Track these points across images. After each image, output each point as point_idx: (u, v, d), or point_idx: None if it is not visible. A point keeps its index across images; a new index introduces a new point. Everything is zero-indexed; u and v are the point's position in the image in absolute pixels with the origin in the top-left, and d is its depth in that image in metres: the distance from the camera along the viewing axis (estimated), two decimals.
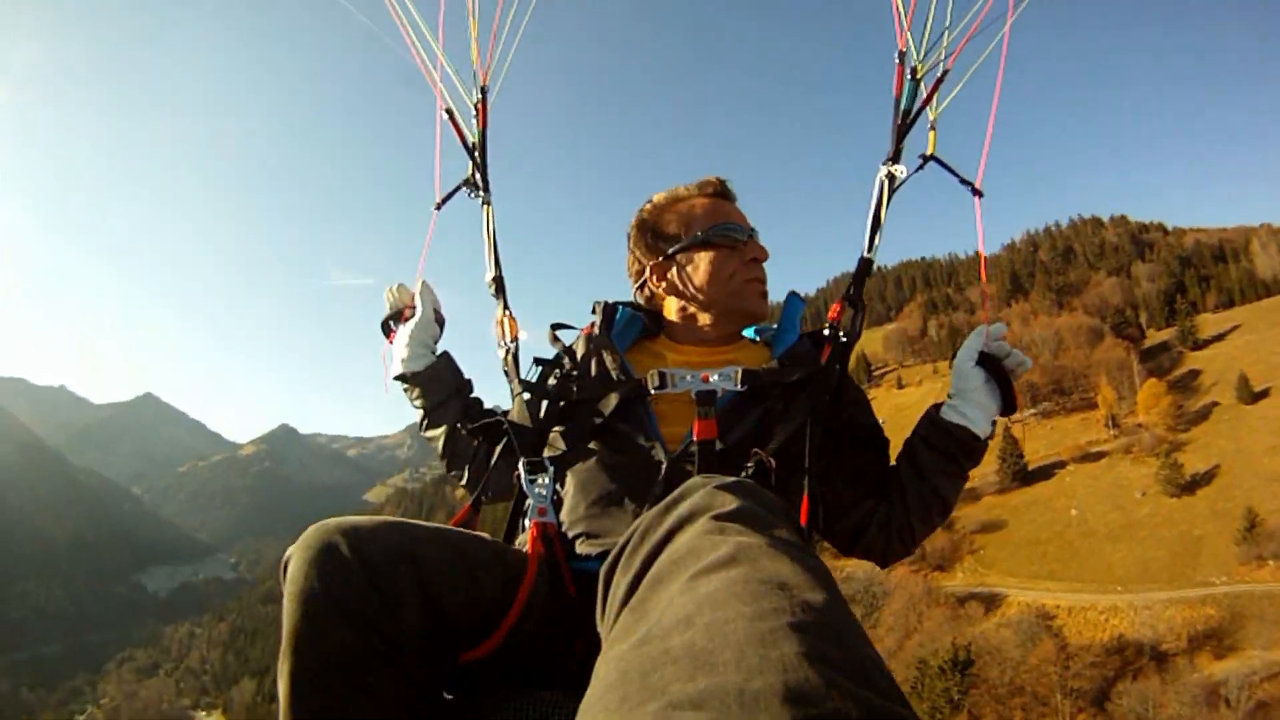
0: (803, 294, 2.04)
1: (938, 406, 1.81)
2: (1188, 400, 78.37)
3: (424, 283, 2.10)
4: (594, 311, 1.98)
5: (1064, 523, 66.81)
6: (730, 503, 1.02)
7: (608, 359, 1.84)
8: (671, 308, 1.94)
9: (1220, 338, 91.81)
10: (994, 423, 1.78)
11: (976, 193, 1.86)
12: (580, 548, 1.60)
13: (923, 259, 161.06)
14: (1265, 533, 53.60)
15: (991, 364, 1.75)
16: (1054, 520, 67.56)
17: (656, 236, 1.95)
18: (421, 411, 2.02)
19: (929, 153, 1.87)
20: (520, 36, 2.21)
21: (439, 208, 2.17)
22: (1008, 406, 1.77)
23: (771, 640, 0.71)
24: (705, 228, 1.87)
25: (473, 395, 2.08)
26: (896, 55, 1.90)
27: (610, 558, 1.10)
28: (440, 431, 1.99)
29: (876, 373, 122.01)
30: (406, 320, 2.06)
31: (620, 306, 1.99)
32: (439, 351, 2.09)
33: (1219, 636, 47.93)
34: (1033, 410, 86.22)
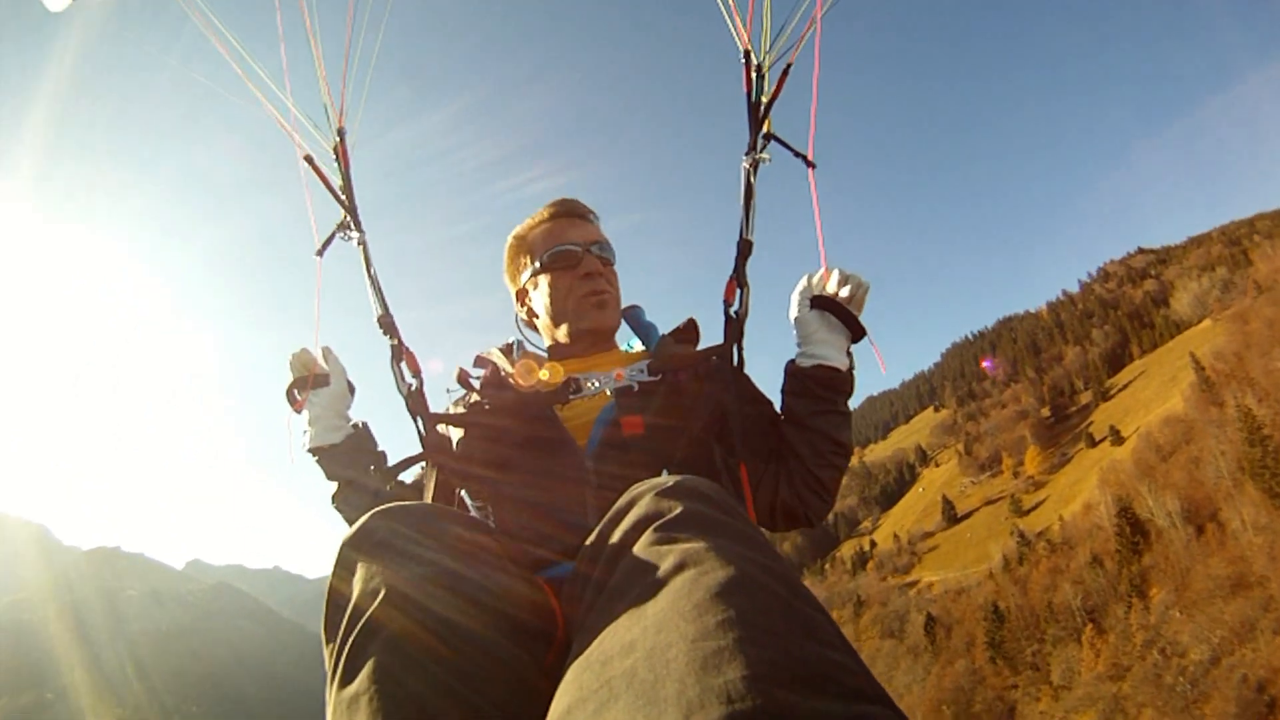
0: None
1: (791, 360, 1.91)
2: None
3: (328, 349, 2.07)
4: (476, 364, 2.01)
5: None
6: (675, 507, 1.00)
7: (527, 366, 1.84)
8: (541, 329, 2.06)
9: (1126, 387, 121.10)
10: (849, 352, 1.88)
11: (810, 164, 1.97)
12: (534, 557, 1.53)
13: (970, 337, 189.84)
14: None
15: (826, 303, 1.85)
16: None
17: (514, 269, 2.09)
18: (336, 485, 1.95)
19: (767, 131, 1.96)
20: (370, 78, 2.21)
21: (320, 254, 2.15)
22: (856, 333, 1.86)
23: (714, 665, 0.68)
24: (541, 254, 1.98)
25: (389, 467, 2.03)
26: (742, 55, 1.98)
27: (567, 583, 1.12)
28: (357, 506, 1.90)
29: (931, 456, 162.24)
30: (314, 387, 2.01)
31: (515, 342, 2.06)
32: (354, 421, 2.05)
33: None
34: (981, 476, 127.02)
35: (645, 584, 0.87)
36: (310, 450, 1.99)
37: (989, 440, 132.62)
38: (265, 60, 2.13)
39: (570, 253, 1.96)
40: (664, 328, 2.10)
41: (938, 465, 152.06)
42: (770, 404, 1.98)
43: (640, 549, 0.96)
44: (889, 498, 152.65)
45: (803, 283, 1.91)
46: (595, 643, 0.85)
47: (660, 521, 0.98)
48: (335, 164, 2.20)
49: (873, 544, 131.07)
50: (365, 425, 2.06)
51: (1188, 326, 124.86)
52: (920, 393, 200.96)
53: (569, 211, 2.06)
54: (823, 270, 1.91)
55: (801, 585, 0.88)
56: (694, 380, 1.83)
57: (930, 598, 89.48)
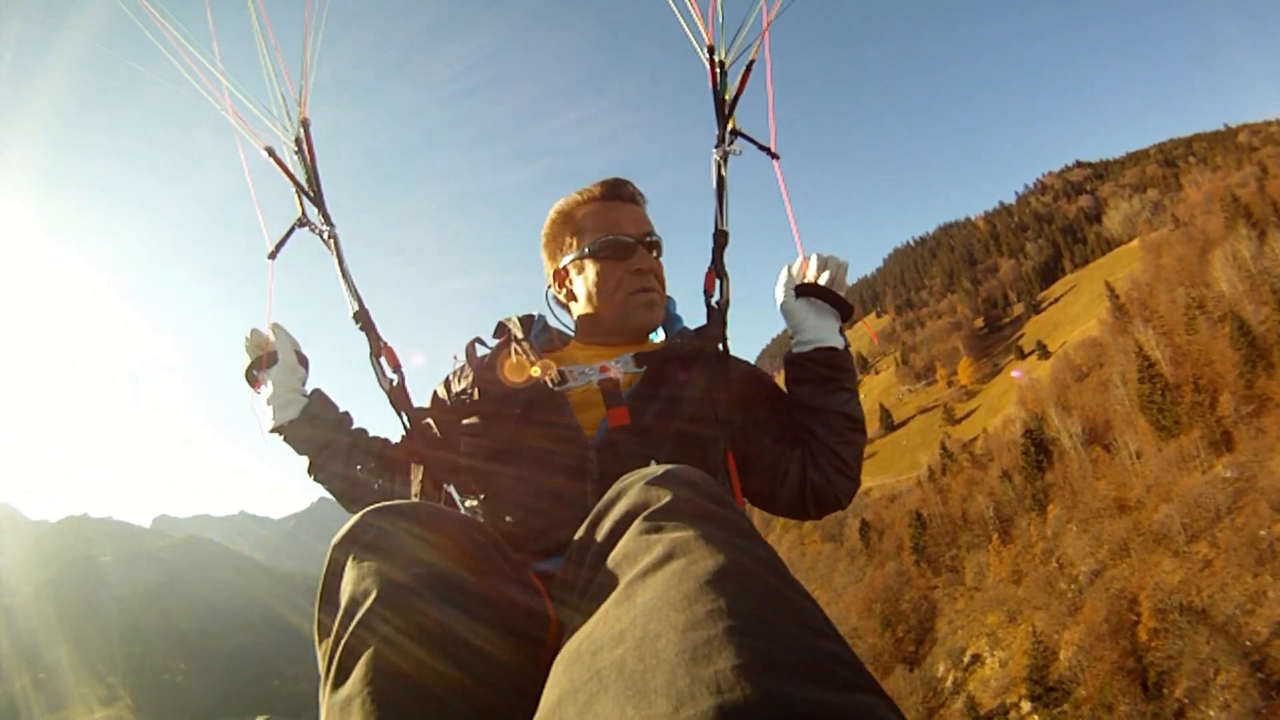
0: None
1: (789, 350, 1.93)
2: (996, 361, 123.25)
3: (276, 325, 2.05)
4: (497, 333, 1.98)
5: None
6: (663, 496, 0.99)
7: (518, 361, 1.83)
8: (575, 312, 2.00)
9: (1056, 301, 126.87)
10: (842, 332, 1.91)
11: (774, 156, 1.98)
12: (529, 550, 1.53)
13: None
14: None
15: (809, 289, 1.87)
16: None
17: (555, 245, 2.00)
18: (307, 458, 1.94)
19: (732, 127, 1.99)
20: (316, 66, 2.13)
21: (273, 257, 2.09)
22: (844, 312, 1.88)
23: (704, 655, 0.68)
24: (592, 239, 1.90)
25: (356, 427, 2.02)
26: (706, 50, 1.97)
27: (558, 575, 1.10)
28: (335, 472, 1.92)
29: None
30: (269, 367, 2.00)
31: (538, 316, 2.01)
32: (308, 391, 2.04)
33: None
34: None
35: (634, 574, 0.87)
36: (272, 431, 1.99)
37: (924, 350, 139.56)
38: (223, 53, 2.05)
39: (624, 244, 1.91)
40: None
41: (877, 373, 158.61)
42: (782, 392, 2.03)
43: (629, 539, 0.95)
44: None
45: (784, 275, 1.95)
46: (585, 634, 0.85)
47: (649, 511, 0.98)
48: (298, 156, 2.13)
49: None
50: (319, 391, 2.06)
51: (1118, 244, 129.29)
52: (863, 298, 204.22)
53: (621, 194, 1.99)
54: (800, 259, 1.95)
55: (791, 575, 0.88)
56: (683, 371, 1.82)
57: (867, 503, 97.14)
